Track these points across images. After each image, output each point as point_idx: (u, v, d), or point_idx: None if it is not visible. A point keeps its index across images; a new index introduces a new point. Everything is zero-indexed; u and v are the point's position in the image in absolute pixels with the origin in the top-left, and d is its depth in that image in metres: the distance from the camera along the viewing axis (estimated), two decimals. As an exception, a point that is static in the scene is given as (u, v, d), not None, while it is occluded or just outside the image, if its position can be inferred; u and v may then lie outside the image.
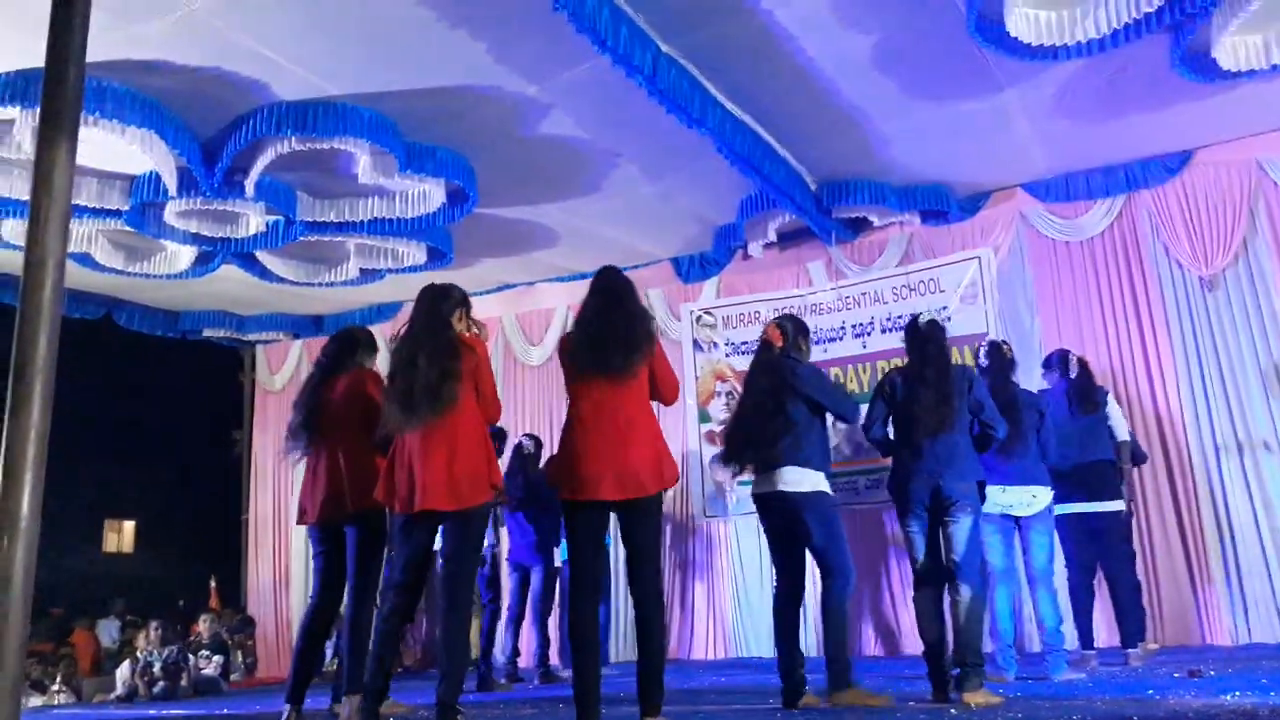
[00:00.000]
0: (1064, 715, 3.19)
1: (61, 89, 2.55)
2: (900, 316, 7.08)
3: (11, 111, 4.83)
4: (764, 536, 4.28)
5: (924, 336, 4.22)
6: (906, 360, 4.33)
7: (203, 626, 7.67)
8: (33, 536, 2.35)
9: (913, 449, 4.04)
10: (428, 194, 6.15)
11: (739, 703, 4.27)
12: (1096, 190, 6.75)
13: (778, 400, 4.04)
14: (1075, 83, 5.45)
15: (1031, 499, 4.63)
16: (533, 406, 8.73)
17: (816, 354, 7.30)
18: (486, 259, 8.05)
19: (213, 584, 9.78)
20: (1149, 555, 6.23)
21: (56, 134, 2.50)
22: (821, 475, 4.00)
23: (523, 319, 8.96)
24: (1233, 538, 6.04)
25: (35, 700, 7.12)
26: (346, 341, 4.44)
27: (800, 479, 3.94)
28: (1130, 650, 5.03)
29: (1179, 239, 6.49)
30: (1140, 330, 6.56)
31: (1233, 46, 4.77)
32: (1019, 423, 4.47)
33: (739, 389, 7.75)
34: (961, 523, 3.97)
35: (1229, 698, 3.40)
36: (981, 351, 5.05)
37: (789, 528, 4.02)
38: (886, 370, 4.87)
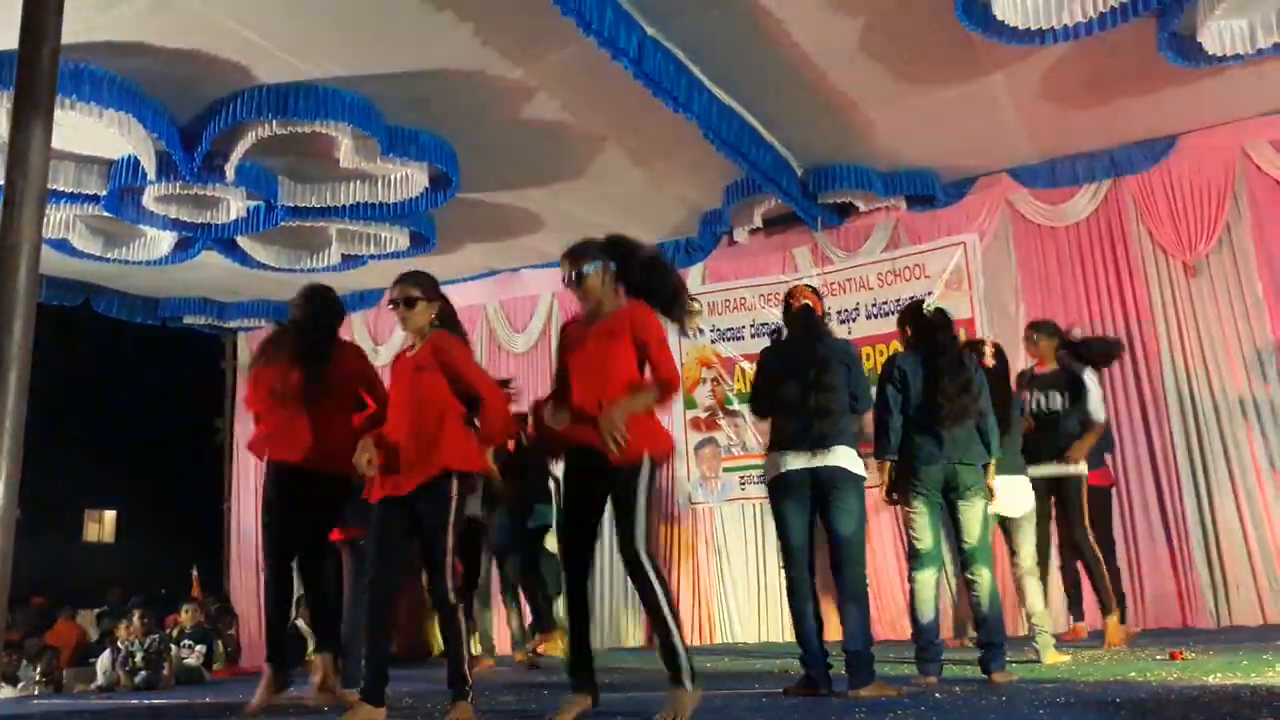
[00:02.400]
0: (1048, 698, 3.20)
1: (36, 69, 2.50)
2: (885, 302, 7.11)
3: (-15, 93, 4.74)
4: (769, 519, 4.09)
5: (936, 324, 4.20)
6: (907, 346, 4.28)
7: (185, 616, 7.61)
8: (10, 524, 2.32)
9: (932, 435, 4.03)
10: (410, 178, 6.09)
11: (725, 688, 4.27)
12: (1082, 175, 6.76)
13: (830, 373, 3.87)
14: (1062, 67, 5.45)
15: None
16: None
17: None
18: (470, 244, 7.99)
19: (194, 573, 9.70)
20: (1132, 538, 6.28)
21: (31, 115, 2.45)
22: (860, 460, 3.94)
23: (507, 305, 8.91)
24: (1214, 521, 6.09)
25: (7, 692, 7.05)
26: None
27: (852, 460, 3.82)
28: (1108, 618, 5.06)
29: (1163, 224, 6.51)
30: (1124, 315, 6.58)
31: (1218, 31, 4.77)
32: None
33: (725, 375, 7.80)
34: (976, 506, 4.04)
35: (1210, 679, 3.42)
36: None
37: (821, 509, 3.86)
38: (885, 356, 4.83)
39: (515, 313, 8.88)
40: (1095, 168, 6.71)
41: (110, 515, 24.14)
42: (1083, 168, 6.75)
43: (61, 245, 6.75)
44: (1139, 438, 6.38)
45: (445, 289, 8.56)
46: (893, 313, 7.06)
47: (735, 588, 7.56)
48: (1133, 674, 3.78)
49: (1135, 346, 6.50)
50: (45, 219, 6.38)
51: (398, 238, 7.09)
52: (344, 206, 6.41)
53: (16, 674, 7.36)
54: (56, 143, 5.56)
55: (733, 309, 7.80)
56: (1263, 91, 5.87)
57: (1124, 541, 6.27)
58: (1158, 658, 4.35)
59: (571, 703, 3.16)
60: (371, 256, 7.39)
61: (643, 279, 3.40)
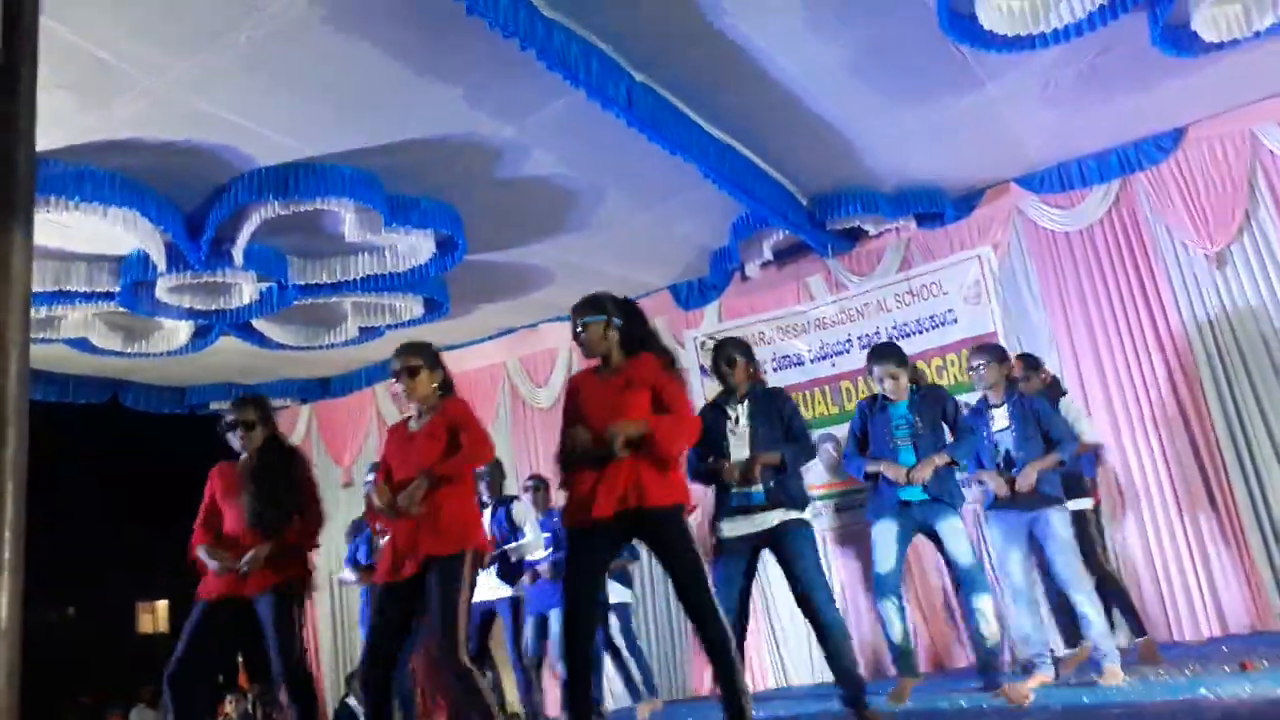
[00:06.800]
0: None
1: (11, 172, 2.50)
2: (906, 323, 6.99)
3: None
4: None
5: None
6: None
7: (230, 707, 7.54)
8: (14, 641, 2.27)
9: None
10: (416, 246, 6.11)
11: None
12: (1091, 177, 6.64)
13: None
14: (1057, 70, 5.37)
15: None
16: (546, 447, 8.62)
17: (824, 368, 7.24)
18: (485, 305, 7.99)
19: (239, 660, 9.65)
20: (1185, 542, 6.05)
21: (9, 220, 2.45)
22: None
23: (526, 361, 8.89)
24: (1270, 518, 5.85)
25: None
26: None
27: None
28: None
29: (1180, 218, 6.36)
30: (1151, 315, 6.41)
31: (1212, 18, 4.67)
32: None
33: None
34: None
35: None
36: None
37: None
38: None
39: (536, 368, 8.85)
40: (1104, 167, 6.58)
41: (163, 605, 24.21)
42: (1091, 169, 6.61)
43: (82, 344, 6.83)
44: (1180, 439, 6.17)
45: (464, 351, 8.63)
46: (915, 333, 6.95)
47: (785, 630, 7.36)
48: (1202, 690, 3.59)
49: (1165, 344, 6.32)
50: (63, 320, 6.51)
51: (412, 306, 7.10)
52: (355, 280, 6.42)
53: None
54: (65, 243, 5.66)
55: (752, 344, 7.65)
56: (1267, 73, 5.75)
57: (1179, 547, 6.06)
58: (1227, 669, 4.14)
59: None
60: (388, 326, 7.40)
61: (648, 340, 3.51)
